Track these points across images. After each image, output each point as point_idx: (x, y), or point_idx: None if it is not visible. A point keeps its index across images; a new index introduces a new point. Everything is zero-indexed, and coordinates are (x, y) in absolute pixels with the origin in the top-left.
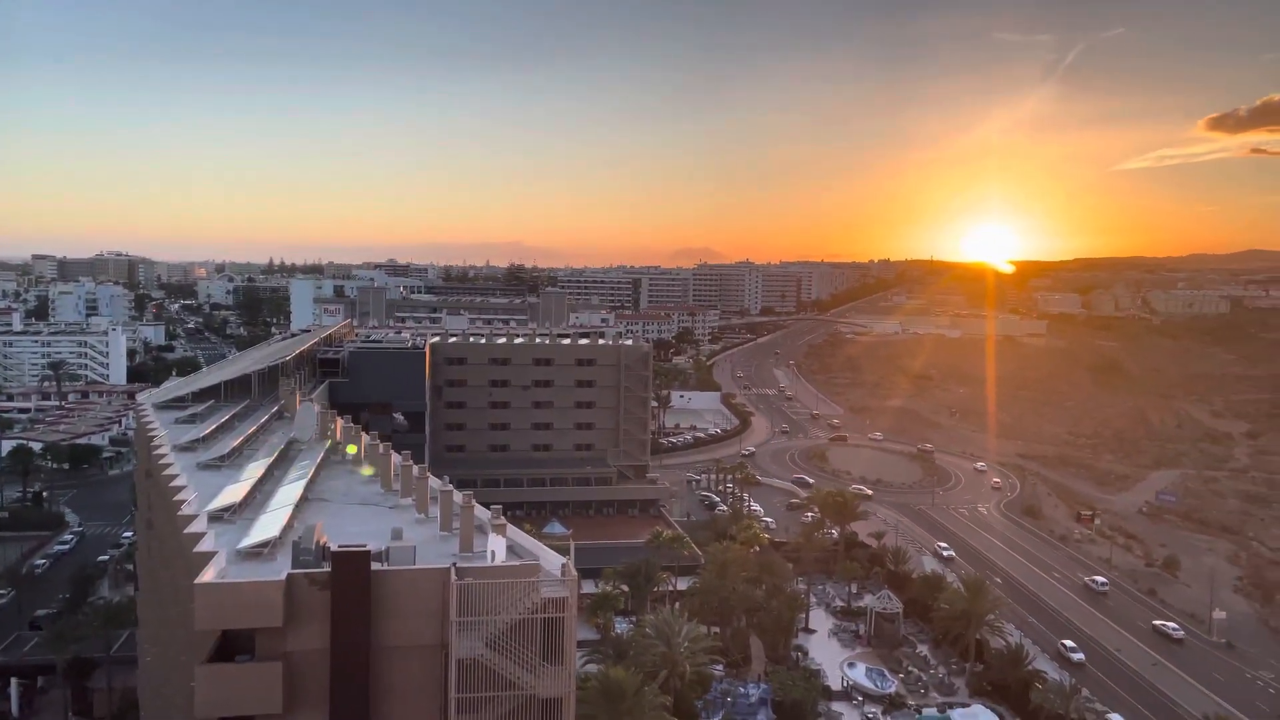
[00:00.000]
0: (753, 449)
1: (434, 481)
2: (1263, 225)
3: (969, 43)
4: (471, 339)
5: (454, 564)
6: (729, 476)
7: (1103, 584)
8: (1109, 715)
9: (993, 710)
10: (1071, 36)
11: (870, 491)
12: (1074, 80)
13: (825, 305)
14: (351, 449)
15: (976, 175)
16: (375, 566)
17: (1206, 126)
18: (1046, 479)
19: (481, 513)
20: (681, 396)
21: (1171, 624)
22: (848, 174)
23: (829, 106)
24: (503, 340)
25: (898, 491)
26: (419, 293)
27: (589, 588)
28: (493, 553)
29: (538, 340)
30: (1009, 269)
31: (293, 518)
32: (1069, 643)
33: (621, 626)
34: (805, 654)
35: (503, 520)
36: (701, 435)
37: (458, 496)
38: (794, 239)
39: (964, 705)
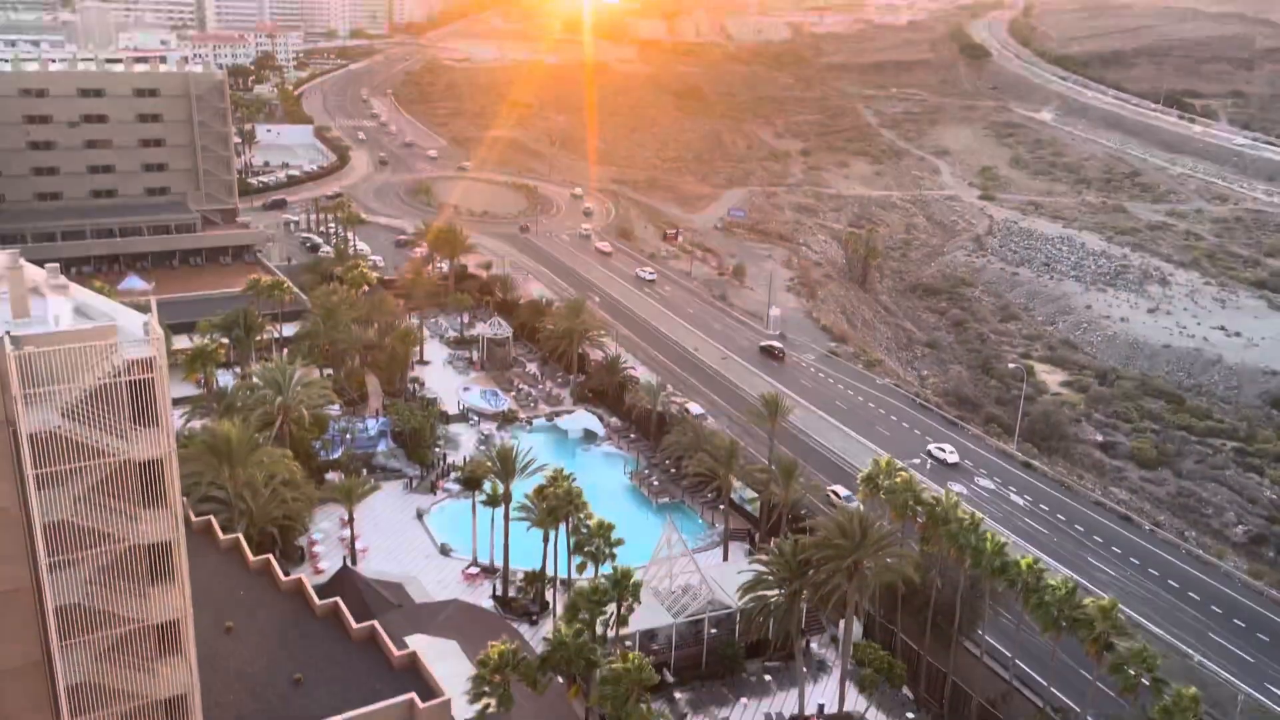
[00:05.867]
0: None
1: None
2: None
3: None
4: None
5: (7, 333)
6: (331, 216)
7: (650, 275)
8: (689, 404)
9: (593, 413)
10: None
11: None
12: None
13: (421, 28)
14: None
15: None
16: None
17: None
18: (638, 202)
19: (35, 273)
20: (269, 131)
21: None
22: None
23: None
24: (34, 68)
25: (503, 222)
26: None
27: (184, 343)
28: (56, 317)
29: (82, 67)
30: None
31: None
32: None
33: (226, 379)
34: (422, 385)
35: (63, 280)
36: (296, 174)
37: (2, 256)
38: None
39: (569, 412)
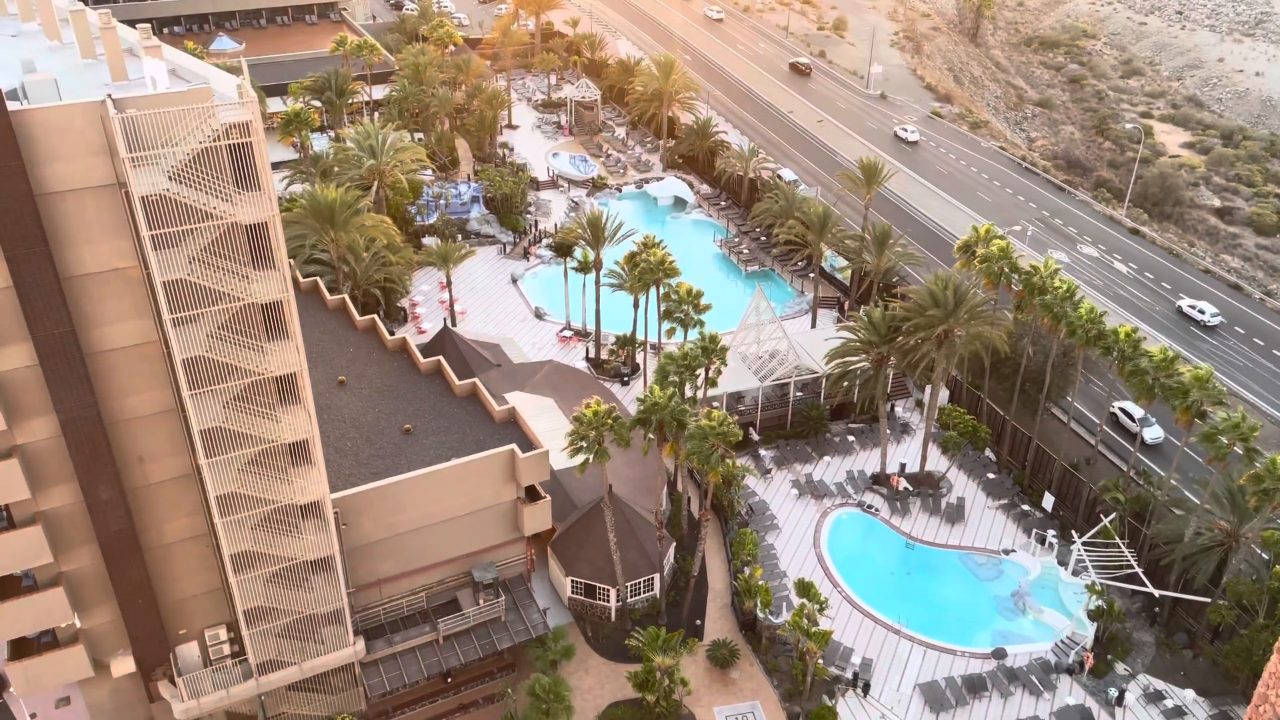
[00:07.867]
0: None
1: None
2: None
3: None
4: None
5: (109, 95)
6: None
7: (718, 14)
8: (781, 170)
9: (683, 180)
10: None
11: None
12: None
13: None
14: None
15: None
16: (11, 105)
17: None
18: None
19: (128, 34)
20: None
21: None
22: None
23: None
24: None
25: None
26: None
27: (276, 106)
28: (152, 79)
29: None
30: None
31: None
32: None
33: (320, 143)
34: (511, 150)
35: (155, 41)
36: None
37: (93, 15)
38: None
39: (658, 179)
